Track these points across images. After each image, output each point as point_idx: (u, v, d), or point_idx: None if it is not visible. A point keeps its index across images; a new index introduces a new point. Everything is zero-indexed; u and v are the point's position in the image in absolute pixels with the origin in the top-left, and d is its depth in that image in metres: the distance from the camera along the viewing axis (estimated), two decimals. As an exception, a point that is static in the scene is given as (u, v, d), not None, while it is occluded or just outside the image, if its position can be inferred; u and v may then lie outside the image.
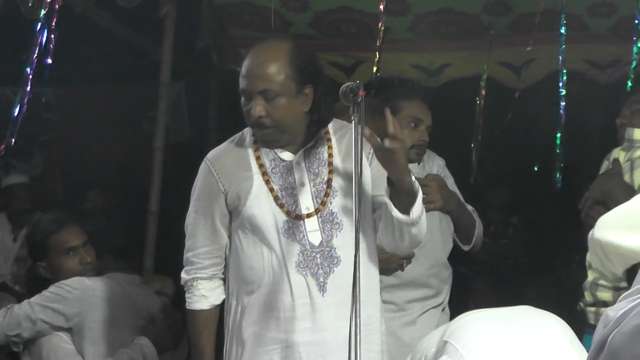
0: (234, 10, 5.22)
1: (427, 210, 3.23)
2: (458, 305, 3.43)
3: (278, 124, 2.62)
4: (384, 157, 2.49)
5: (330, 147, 2.73)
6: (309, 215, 2.65)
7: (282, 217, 2.65)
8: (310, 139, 2.72)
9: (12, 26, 3.73)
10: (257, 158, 2.71)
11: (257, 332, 2.67)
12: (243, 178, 2.69)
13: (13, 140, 3.50)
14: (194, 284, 2.77)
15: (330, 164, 2.71)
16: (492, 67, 5.29)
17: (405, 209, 2.55)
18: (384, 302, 2.95)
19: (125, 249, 3.62)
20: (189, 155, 6.59)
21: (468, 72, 5.55)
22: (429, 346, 2.05)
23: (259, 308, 2.67)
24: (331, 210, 2.67)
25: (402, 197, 2.55)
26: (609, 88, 5.30)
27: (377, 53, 4.28)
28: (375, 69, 4.36)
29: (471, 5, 5.01)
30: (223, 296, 2.79)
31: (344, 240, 2.64)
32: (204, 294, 2.76)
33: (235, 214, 2.72)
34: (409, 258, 3.15)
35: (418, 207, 2.56)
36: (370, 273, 2.71)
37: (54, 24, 3.48)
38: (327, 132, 2.76)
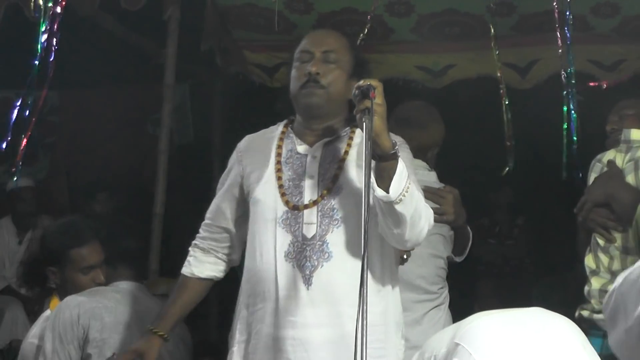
0: (238, 12, 5.22)
1: (439, 222, 3.19)
2: (462, 306, 3.42)
3: (328, 88, 2.67)
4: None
5: (349, 145, 2.72)
6: (306, 207, 2.65)
7: (282, 207, 2.67)
8: (334, 132, 2.74)
9: (16, 29, 3.73)
10: (278, 147, 2.76)
11: (250, 322, 2.69)
12: (260, 165, 2.75)
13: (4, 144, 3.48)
14: (190, 249, 2.88)
15: (342, 160, 2.69)
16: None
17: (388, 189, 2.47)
18: None
19: (132, 252, 3.60)
20: (193, 158, 6.64)
21: (472, 73, 5.55)
22: (439, 346, 2.03)
23: (251, 298, 2.69)
24: (332, 205, 2.65)
25: (385, 168, 2.46)
26: (612, 89, 5.29)
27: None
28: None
29: (475, 6, 5.01)
30: (212, 273, 2.86)
31: (339, 237, 2.61)
32: (190, 261, 2.86)
33: (249, 200, 2.75)
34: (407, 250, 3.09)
35: (398, 183, 2.45)
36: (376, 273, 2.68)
37: (56, 26, 3.48)
38: (354, 131, 2.75)
